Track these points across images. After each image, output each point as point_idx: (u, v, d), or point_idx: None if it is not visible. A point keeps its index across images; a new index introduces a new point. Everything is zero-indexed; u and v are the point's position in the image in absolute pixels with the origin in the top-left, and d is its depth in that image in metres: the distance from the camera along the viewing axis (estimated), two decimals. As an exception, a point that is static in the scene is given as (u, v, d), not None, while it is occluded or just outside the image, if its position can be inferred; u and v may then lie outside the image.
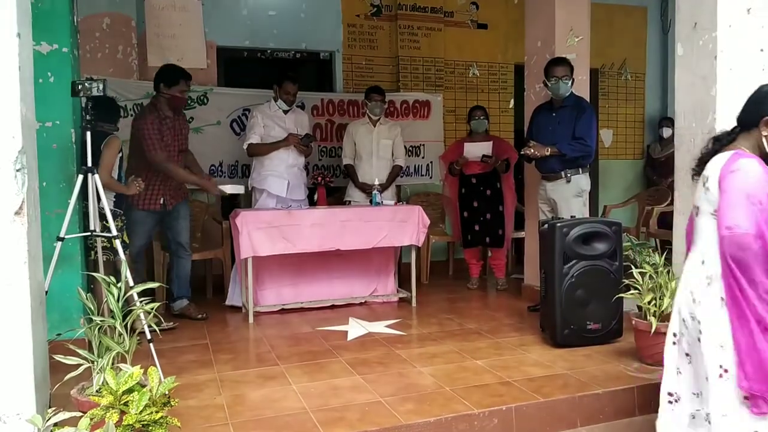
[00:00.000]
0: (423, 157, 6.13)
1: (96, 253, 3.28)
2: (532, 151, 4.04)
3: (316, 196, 4.67)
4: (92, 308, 2.29)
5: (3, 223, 2.00)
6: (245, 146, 4.62)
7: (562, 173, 4.04)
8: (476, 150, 4.97)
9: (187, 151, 4.29)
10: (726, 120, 2.94)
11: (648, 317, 3.01)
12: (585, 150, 3.94)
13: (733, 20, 2.93)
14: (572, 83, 4.06)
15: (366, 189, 4.93)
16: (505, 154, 5.00)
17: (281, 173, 4.59)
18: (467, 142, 5.09)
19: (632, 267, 3.19)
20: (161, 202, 4.08)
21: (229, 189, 4.17)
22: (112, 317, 2.26)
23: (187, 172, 4.13)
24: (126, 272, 2.46)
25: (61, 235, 2.91)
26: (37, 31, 2.68)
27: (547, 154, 3.98)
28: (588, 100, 4.33)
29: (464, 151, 5.00)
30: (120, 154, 3.62)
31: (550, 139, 4.04)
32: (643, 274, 3.09)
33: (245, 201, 5.11)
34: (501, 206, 5.08)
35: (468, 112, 5.25)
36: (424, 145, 6.11)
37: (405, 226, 4.47)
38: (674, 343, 2.12)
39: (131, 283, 2.57)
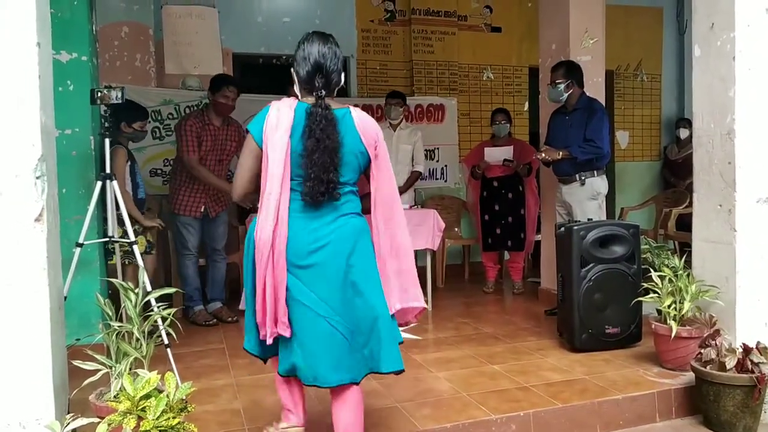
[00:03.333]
0: (438, 161, 6.13)
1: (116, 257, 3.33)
2: (544, 155, 4.03)
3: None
4: (110, 314, 2.30)
5: (23, 230, 2.03)
6: None
7: (576, 176, 4.01)
8: (496, 154, 4.94)
9: (228, 164, 4.32)
10: (745, 121, 2.91)
11: (668, 321, 2.97)
12: (596, 152, 3.90)
13: (751, 20, 2.89)
14: (568, 87, 4.00)
15: None
16: (528, 157, 4.94)
17: None
18: (488, 146, 5.07)
19: (651, 270, 3.15)
20: (202, 209, 4.18)
21: None
22: (130, 323, 2.27)
23: (216, 177, 4.15)
24: (144, 278, 2.47)
25: (80, 241, 2.95)
26: (57, 40, 2.72)
27: (559, 157, 3.96)
28: (603, 101, 4.28)
29: (485, 155, 4.97)
30: (129, 163, 3.66)
31: (564, 143, 4.01)
32: (662, 278, 3.04)
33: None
34: (523, 209, 5.05)
35: (490, 115, 5.21)
36: (438, 148, 6.10)
37: (420, 230, 4.45)
38: None
39: (149, 289, 2.59)
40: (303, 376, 1.99)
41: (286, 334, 1.96)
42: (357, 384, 2.01)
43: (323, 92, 1.98)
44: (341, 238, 1.98)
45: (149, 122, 4.88)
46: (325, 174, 1.91)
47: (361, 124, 2.02)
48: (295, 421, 2.23)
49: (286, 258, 1.94)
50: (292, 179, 1.95)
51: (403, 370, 2.03)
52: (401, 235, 2.08)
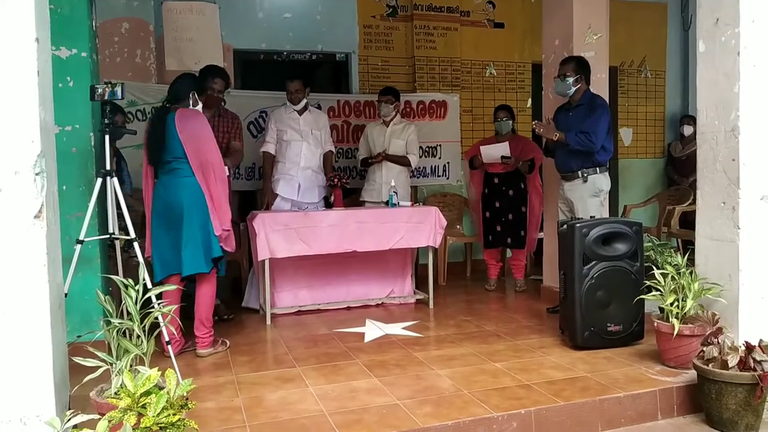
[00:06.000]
0: (440, 158, 6.11)
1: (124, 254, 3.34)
2: (542, 130, 4.01)
3: (332, 198, 4.67)
4: (110, 310, 2.30)
5: (22, 227, 2.02)
6: (261, 152, 4.75)
7: (579, 173, 3.99)
8: (492, 152, 4.89)
9: (230, 148, 4.25)
10: (750, 117, 2.89)
11: (670, 319, 2.95)
12: (588, 145, 3.86)
13: (756, 15, 2.87)
14: (576, 82, 3.98)
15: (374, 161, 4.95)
16: (531, 154, 4.89)
17: (292, 176, 4.62)
18: (483, 144, 5.04)
19: (654, 268, 3.13)
20: None
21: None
22: (131, 319, 2.27)
23: None
24: (144, 274, 2.47)
25: (81, 237, 2.94)
26: (57, 36, 2.71)
27: (555, 138, 3.95)
28: (607, 98, 4.26)
29: (481, 154, 4.94)
30: (115, 159, 3.67)
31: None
32: (664, 275, 3.03)
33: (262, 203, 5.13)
34: (524, 207, 5.01)
35: (493, 112, 5.16)
36: (440, 145, 6.09)
37: (422, 227, 4.45)
38: None
39: (149, 286, 2.59)
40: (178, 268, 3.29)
41: (149, 252, 3.32)
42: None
43: (168, 105, 3.34)
44: (178, 190, 3.27)
45: (146, 120, 4.89)
46: (153, 151, 3.29)
47: (178, 122, 3.22)
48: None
49: (152, 203, 3.34)
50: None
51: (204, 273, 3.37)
52: (215, 187, 3.28)
